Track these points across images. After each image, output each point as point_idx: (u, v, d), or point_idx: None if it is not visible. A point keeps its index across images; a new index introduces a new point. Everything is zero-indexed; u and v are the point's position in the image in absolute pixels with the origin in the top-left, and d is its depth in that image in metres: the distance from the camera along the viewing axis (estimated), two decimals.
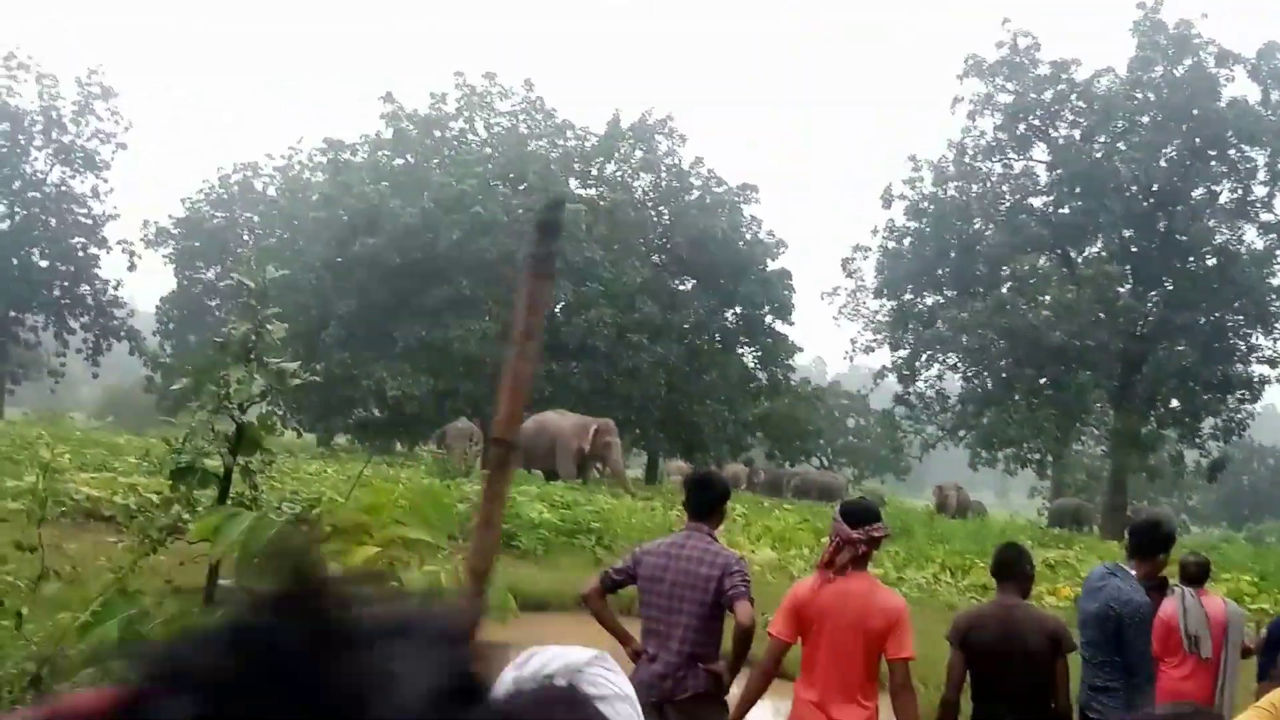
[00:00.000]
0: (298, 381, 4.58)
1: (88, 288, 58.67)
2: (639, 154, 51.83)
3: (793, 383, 53.53)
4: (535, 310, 2.00)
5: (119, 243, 59.70)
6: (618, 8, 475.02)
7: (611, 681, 2.10)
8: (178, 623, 2.86)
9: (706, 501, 6.15)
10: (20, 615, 4.37)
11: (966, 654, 6.09)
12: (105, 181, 58.86)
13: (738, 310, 51.10)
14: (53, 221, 57.59)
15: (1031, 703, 5.97)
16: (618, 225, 47.84)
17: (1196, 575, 7.76)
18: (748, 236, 50.87)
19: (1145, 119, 45.02)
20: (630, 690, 2.13)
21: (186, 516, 4.37)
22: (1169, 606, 7.36)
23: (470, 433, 36.26)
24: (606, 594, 6.39)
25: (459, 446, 34.54)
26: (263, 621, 0.73)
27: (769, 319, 51.38)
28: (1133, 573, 6.72)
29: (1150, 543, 7.06)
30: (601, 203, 49.06)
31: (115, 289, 59.59)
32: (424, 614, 0.76)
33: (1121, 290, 44.09)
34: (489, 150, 51.71)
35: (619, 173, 52.34)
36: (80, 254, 58.32)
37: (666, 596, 5.80)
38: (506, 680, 1.84)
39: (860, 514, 5.53)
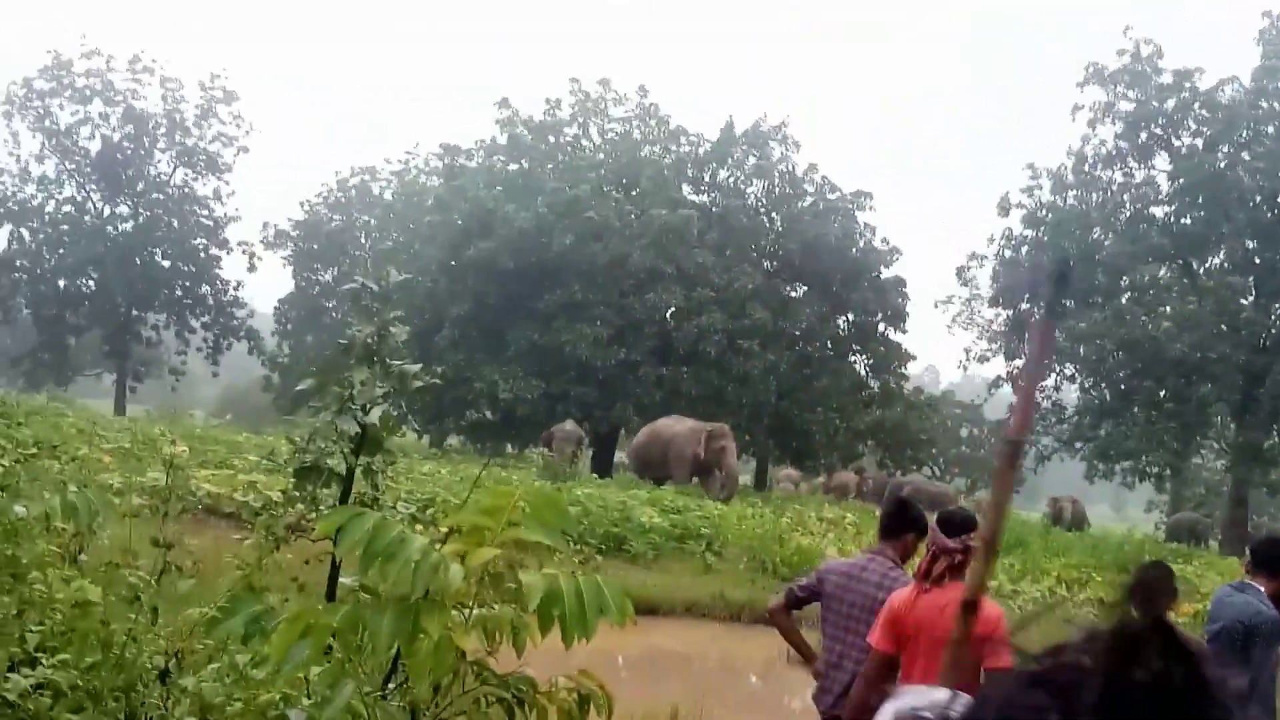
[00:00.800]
0: (419, 384, 4.63)
1: (209, 288, 59.97)
2: (752, 160, 51.77)
3: (905, 391, 53.11)
4: (1045, 347, 2.13)
5: (239, 244, 60.98)
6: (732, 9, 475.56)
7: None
8: (301, 620, 2.90)
9: (896, 526, 6.25)
10: (156, 610, 4.48)
11: None
12: (227, 184, 60.18)
13: (850, 317, 50.86)
14: (175, 222, 58.98)
15: None
16: (730, 231, 47.84)
17: None
18: (861, 244, 50.55)
19: (1270, 129, 44.05)
20: None
21: (311, 515, 4.45)
22: None
23: (576, 435, 36.35)
24: (791, 610, 6.45)
25: (565, 448, 34.67)
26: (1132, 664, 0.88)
27: (882, 327, 51.07)
28: (1261, 588, 6.60)
29: (1273, 559, 6.92)
30: (714, 209, 49.10)
31: (235, 289, 60.84)
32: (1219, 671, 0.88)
33: (1244, 302, 43.17)
34: (602, 156, 51.99)
35: (732, 179, 52.34)
36: (202, 255, 59.69)
37: (844, 617, 5.86)
38: (887, 713, 2.29)
39: (957, 523, 5.49)
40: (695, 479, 32.26)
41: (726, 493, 30.23)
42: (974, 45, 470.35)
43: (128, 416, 42.76)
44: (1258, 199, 43.42)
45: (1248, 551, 7.34)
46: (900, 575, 6.04)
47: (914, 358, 53.25)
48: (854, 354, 52.07)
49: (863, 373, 51.98)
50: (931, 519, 5.74)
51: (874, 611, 5.69)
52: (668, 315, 46.24)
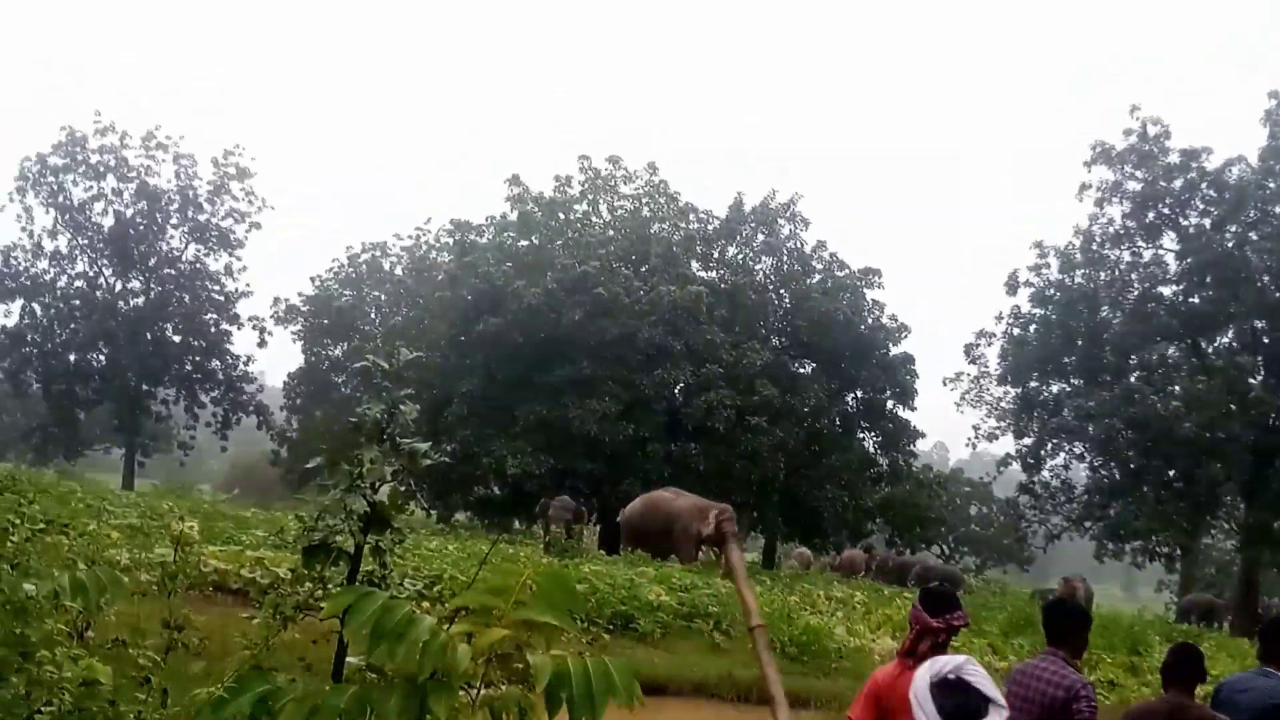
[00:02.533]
0: (429, 462, 4.66)
1: (219, 363, 60.19)
2: (761, 237, 52.01)
3: (914, 469, 52.96)
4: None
5: (250, 319, 61.20)
6: (729, 80, 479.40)
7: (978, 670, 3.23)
8: (309, 700, 2.90)
9: (1062, 627, 6.53)
10: (166, 692, 4.47)
11: None
12: (239, 259, 60.52)
13: (858, 394, 50.83)
14: (186, 298, 59.30)
15: None
16: (739, 308, 47.92)
17: None
18: (869, 321, 50.58)
19: (1278, 209, 44.24)
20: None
21: (319, 593, 4.45)
22: None
23: (571, 507, 36.12)
24: None
25: (560, 520, 34.49)
26: None
27: (890, 404, 51.00)
28: (1277, 673, 6.67)
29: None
30: (723, 286, 49.21)
31: (245, 364, 61.02)
32: None
33: (1253, 381, 43.13)
34: (612, 233, 52.19)
35: (740, 256, 52.54)
36: (212, 330, 59.93)
37: (1020, 712, 6.09)
38: (921, 678, 3.45)
39: (940, 601, 5.57)
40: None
41: (726, 574, 29.94)
42: (984, 120, 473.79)
43: (136, 490, 42.76)
44: (1266, 279, 43.50)
45: (1258, 638, 7.36)
46: (1070, 673, 6.31)
47: (923, 435, 53.18)
48: (863, 431, 51.97)
49: (872, 450, 51.86)
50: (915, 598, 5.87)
51: (1046, 707, 6.04)
52: (676, 391, 46.22)
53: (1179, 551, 47.41)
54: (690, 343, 45.12)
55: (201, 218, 59.05)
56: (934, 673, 3.14)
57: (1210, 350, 45.47)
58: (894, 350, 50.74)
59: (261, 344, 61.65)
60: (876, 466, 51.21)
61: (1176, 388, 42.83)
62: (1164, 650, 24.51)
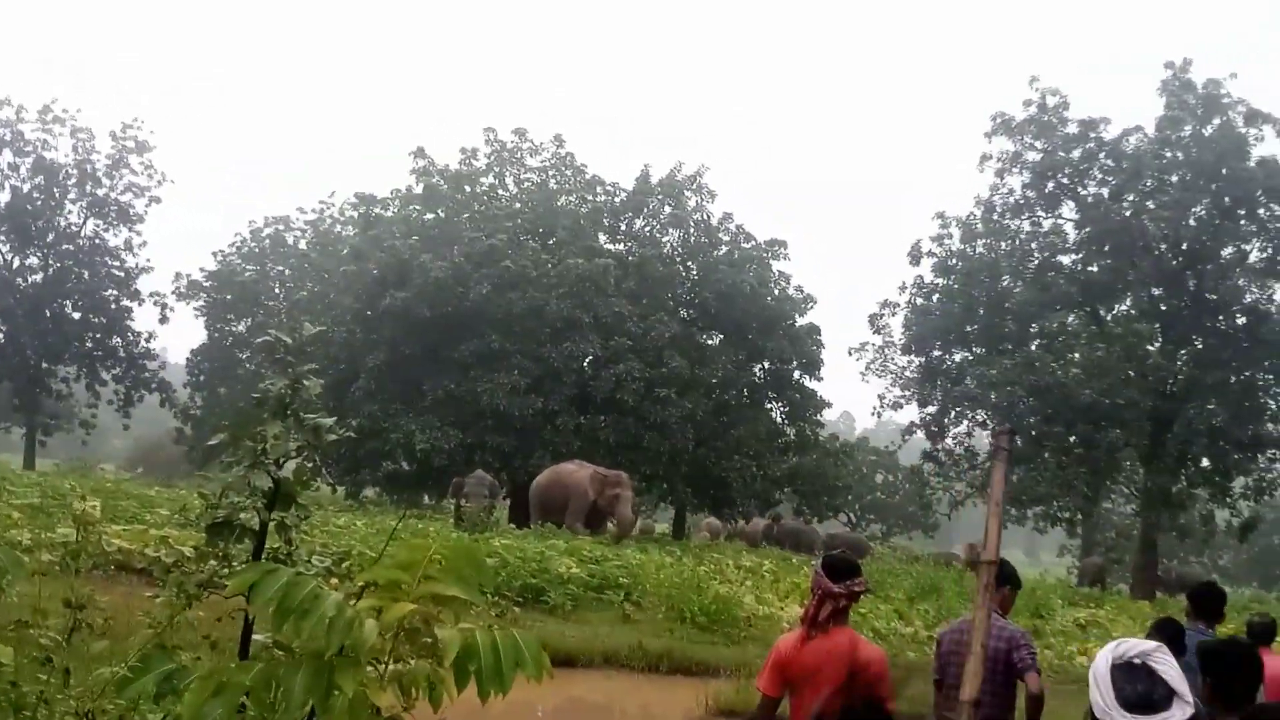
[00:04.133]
0: (333, 437, 4.63)
1: (120, 339, 59.16)
2: (668, 209, 52.00)
3: (821, 438, 53.32)
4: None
5: (151, 295, 60.23)
6: (641, 52, 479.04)
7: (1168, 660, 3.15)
8: (214, 678, 2.88)
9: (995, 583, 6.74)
10: (68, 672, 4.42)
11: None
12: (138, 235, 59.51)
13: (766, 365, 51.05)
14: (86, 274, 58.17)
15: None
16: (646, 280, 47.95)
17: (1261, 634, 7.77)
18: (776, 292, 50.85)
19: (1174, 178, 44.88)
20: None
21: (224, 571, 4.41)
22: None
23: (488, 483, 36.07)
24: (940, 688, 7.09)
25: (478, 496, 34.44)
26: None
27: (797, 374, 51.32)
28: (1212, 632, 6.93)
29: (1211, 603, 7.23)
30: (630, 258, 49.21)
31: (147, 341, 60.03)
32: None
33: (1151, 348, 43.80)
34: (519, 205, 51.96)
35: (647, 228, 52.52)
36: (113, 306, 58.87)
37: (961, 669, 6.23)
38: (1104, 657, 3.15)
39: (842, 568, 5.64)
40: (587, 526, 32.30)
41: (615, 538, 30.37)
42: (890, 91, 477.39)
43: (37, 470, 42.05)
44: (1162, 247, 44.21)
45: (1186, 599, 7.60)
46: (1007, 625, 6.73)
47: (829, 405, 53.50)
48: (770, 401, 52.22)
49: (779, 420, 52.14)
50: (818, 564, 5.94)
51: (994, 660, 6.32)
52: (585, 364, 46.20)
53: (1079, 516, 48.16)
54: (598, 315, 45.11)
55: (100, 192, 57.94)
56: (1118, 655, 3.13)
57: (1109, 318, 46.15)
58: (800, 321, 51.03)
59: (163, 320, 60.77)
60: (784, 436, 51.52)
61: (1076, 355, 43.40)
62: (1066, 613, 24.94)
